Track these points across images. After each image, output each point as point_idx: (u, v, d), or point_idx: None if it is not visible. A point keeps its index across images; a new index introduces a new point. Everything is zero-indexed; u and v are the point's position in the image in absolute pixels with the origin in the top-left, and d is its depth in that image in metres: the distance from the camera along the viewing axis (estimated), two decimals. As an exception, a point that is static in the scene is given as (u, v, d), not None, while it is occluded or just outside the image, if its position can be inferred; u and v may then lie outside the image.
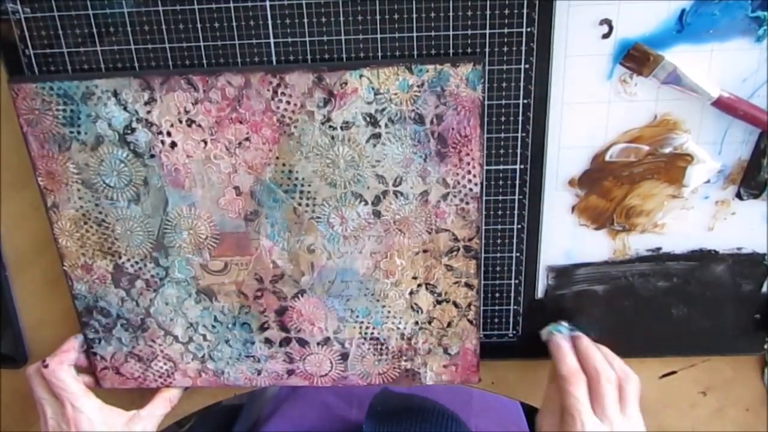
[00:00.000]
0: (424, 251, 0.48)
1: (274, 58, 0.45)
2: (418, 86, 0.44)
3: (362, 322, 0.51)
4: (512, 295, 0.52)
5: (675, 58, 0.43)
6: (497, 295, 0.52)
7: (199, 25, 0.44)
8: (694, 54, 0.43)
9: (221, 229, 0.49)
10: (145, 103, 0.45)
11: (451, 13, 0.43)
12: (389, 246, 0.48)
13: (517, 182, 0.48)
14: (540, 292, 0.52)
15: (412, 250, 0.48)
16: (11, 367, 0.56)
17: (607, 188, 0.48)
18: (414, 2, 0.43)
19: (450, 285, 0.49)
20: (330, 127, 0.45)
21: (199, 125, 0.46)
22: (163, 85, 0.45)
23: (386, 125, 0.45)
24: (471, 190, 0.46)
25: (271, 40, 0.45)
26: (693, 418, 0.56)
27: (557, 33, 0.43)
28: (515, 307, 0.52)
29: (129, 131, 0.46)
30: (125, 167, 0.47)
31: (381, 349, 0.52)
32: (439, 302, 0.50)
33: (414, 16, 0.43)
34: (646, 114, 0.45)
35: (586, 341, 0.49)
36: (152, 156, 0.47)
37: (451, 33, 0.44)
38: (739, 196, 0.48)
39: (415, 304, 0.50)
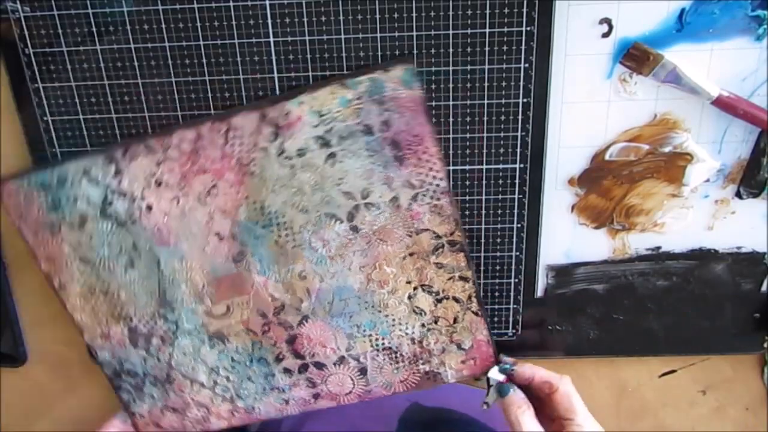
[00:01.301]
0: (411, 254, 0.48)
1: (274, 58, 0.45)
2: (357, 99, 0.44)
3: (370, 335, 0.51)
4: (512, 294, 0.52)
5: (675, 57, 0.43)
6: (497, 294, 0.52)
7: (198, 25, 0.44)
8: (693, 53, 0.43)
9: (215, 275, 0.50)
10: (114, 175, 0.47)
11: (450, 13, 0.43)
12: (375, 257, 0.48)
13: (517, 181, 0.48)
14: (540, 291, 0.52)
15: (398, 256, 0.49)
16: (11, 366, 0.56)
17: (606, 187, 0.48)
18: (414, 2, 0.43)
19: (445, 282, 0.49)
20: (286, 157, 0.46)
21: (167, 184, 0.47)
22: (125, 155, 0.47)
23: (338, 143, 0.45)
24: (438, 185, 0.46)
25: (271, 40, 0.45)
26: (692, 417, 0.56)
27: (557, 32, 0.43)
28: (515, 306, 0.52)
29: (107, 204, 0.48)
30: (113, 237, 0.49)
31: (396, 357, 0.52)
32: (439, 301, 0.50)
33: (414, 15, 0.43)
34: (646, 113, 0.45)
35: (519, 370, 0.49)
36: (134, 222, 0.48)
37: (450, 32, 0.44)
38: (738, 195, 0.48)
39: (417, 307, 0.50)
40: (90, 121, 0.47)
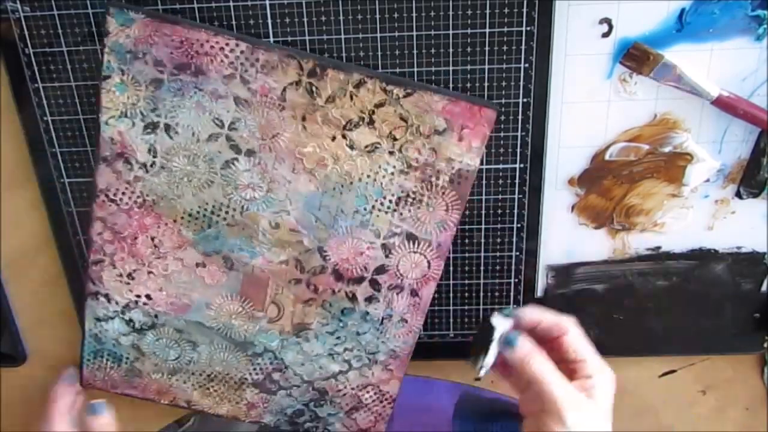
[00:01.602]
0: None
1: (273, 58, 0.45)
2: None
3: (372, 206, 0.48)
4: (512, 294, 0.52)
5: (675, 57, 0.43)
6: (497, 294, 0.52)
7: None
8: (693, 53, 0.43)
9: (234, 292, 0.50)
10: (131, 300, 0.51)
11: (450, 12, 0.43)
12: (291, 150, 0.46)
13: (517, 181, 0.48)
14: (540, 291, 0.52)
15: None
16: (11, 366, 0.56)
17: (606, 187, 0.48)
18: (414, 2, 0.43)
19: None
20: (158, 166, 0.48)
21: (151, 273, 0.50)
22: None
23: (166, 114, 0.46)
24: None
25: (271, 40, 0.45)
26: (692, 417, 0.56)
27: (557, 32, 0.43)
28: (515, 306, 0.52)
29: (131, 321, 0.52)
30: (164, 338, 0.53)
31: (411, 198, 0.47)
32: (371, 123, 0.46)
33: (414, 15, 0.43)
34: (646, 113, 0.45)
35: (527, 312, 0.44)
36: (156, 315, 0.52)
37: (450, 32, 0.44)
38: (738, 195, 0.48)
39: (364, 150, 0.46)
40: (90, 121, 0.47)
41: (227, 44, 0.44)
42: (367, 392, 0.54)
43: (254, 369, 0.53)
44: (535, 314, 0.44)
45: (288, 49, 0.44)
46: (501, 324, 0.42)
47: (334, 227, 0.48)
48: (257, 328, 0.52)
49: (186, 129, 0.46)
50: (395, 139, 0.46)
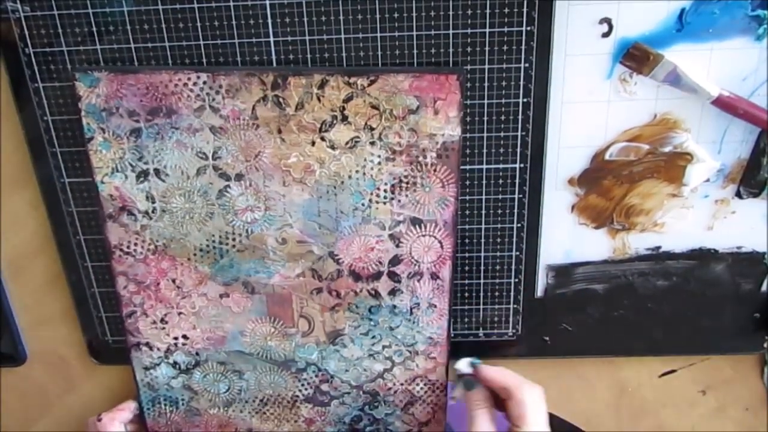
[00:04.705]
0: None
1: (274, 58, 0.45)
2: None
3: (370, 193, 0.48)
4: (512, 294, 0.52)
5: (675, 57, 0.43)
6: (497, 293, 0.52)
7: (198, 25, 0.44)
8: (693, 53, 0.43)
9: (263, 314, 0.51)
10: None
11: (451, 12, 0.43)
12: (275, 164, 0.46)
13: (517, 181, 0.48)
14: (540, 291, 0.52)
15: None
16: (11, 366, 0.56)
17: (606, 187, 0.48)
18: (414, 2, 0.43)
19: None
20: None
21: (181, 313, 0.52)
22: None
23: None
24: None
25: (271, 40, 0.45)
26: (692, 417, 0.56)
27: (557, 32, 0.43)
28: (515, 306, 0.52)
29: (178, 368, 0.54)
30: (210, 373, 0.54)
31: (401, 184, 0.47)
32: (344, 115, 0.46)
33: (414, 15, 0.43)
34: (646, 113, 0.45)
35: (484, 369, 0.49)
36: (197, 353, 0.53)
37: (450, 32, 0.44)
38: (738, 195, 0.48)
39: (346, 143, 0.46)
40: (90, 121, 0.47)
41: (189, 78, 0.45)
42: (417, 385, 0.54)
43: (302, 384, 0.54)
44: (489, 372, 0.48)
45: (246, 68, 0.44)
46: (464, 369, 0.50)
47: (338, 229, 0.48)
48: (293, 344, 0.52)
49: (174, 169, 0.47)
50: (372, 129, 0.45)
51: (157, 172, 0.47)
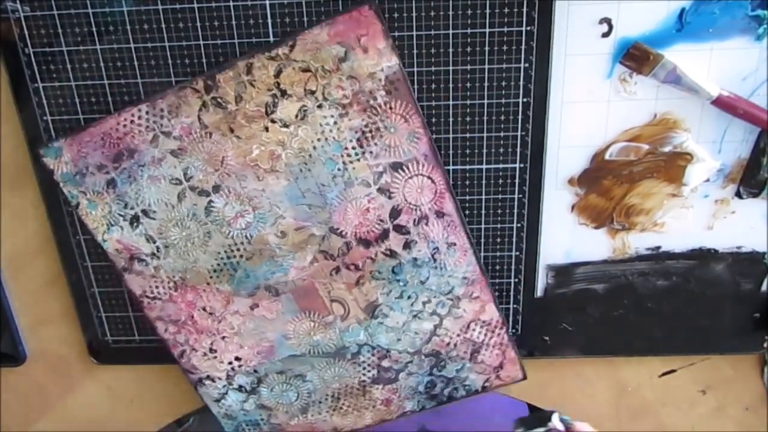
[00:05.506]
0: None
1: (273, 57, 0.45)
2: None
3: (348, 151, 0.46)
4: (512, 293, 0.52)
5: (675, 57, 0.43)
6: (497, 293, 0.52)
7: (198, 25, 0.44)
8: (693, 53, 0.43)
9: (295, 314, 0.51)
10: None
11: (450, 12, 0.43)
12: (245, 160, 0.46)
13: (517, 181, 0.48)
14: (539, 291, 0.52)
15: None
16: (11, 366, 0.56)
17: (606, 187, 0.48)
18: (414, 2, 0.43)
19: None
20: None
21: (224, 338, 0.52)
22: None
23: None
24: None
25: (271, 40, 0.45)
26: (692, 417, 0.56)
27: (557, 32, 0.43)
28: (515, 305, 0.52)
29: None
30: (275, 385, 0.55)
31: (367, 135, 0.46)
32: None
33: (414, 15, 0.43)
34: (646, 113, 0.45)
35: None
36: (255, 370, 0.54)
37: (450, 32, 0.44)
38: (738, 194, 0.48)
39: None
40: (90, 121, 0.47)
41: (132, 114, 0.45)
42: (473, 331, 0.52)
43: (363, 368, 0.53)
44: (585, 429, 0.47)
45: (177, 85, 0.45)
46: (557, 425, 0.47)
47: (327, 203, 0.47)
48: (337, 331, 0.51)
49: (158, 204, 0.48)
50: (313, 92, 0.45)
51: (144, 212, 0.48)
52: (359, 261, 0.49)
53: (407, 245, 0.48)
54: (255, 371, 0.53)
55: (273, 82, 0.44)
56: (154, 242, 0.49)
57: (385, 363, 0.53)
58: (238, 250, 0.49)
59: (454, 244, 0.48)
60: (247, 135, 0.46)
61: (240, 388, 0.54)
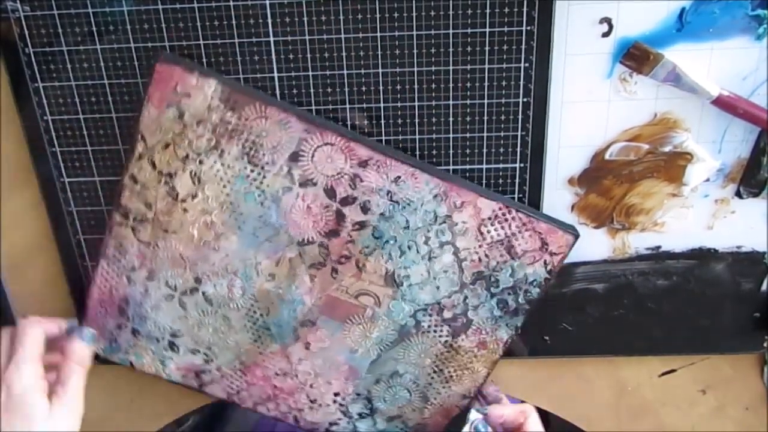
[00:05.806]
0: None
1: (273, 58, 0.45)
2: None
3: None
4: (512, 293, 0.52)
5: (675, 57, 0.43)
6: (497, 293, 0.51)
7: (198, 24, 0.44)
8: (693, 52, 0.43)
9: (337, 328, 0.51)
10: None
11: (450, 12, 0.43)
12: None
13: (517, 181, 0.48)
14: (540, 291, 0.52)
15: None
16: (11, 366, 0.56)
17: (606, 187, 0.48)
18: (414, 2, 0.43)
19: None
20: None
21: (302, 387, 0.54)
22: None
23: None
24: None
25: (271, 39, 0.45)
26: (692, 417, 0.56)
27: (557, 31, 0.43)
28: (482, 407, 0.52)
29: None
30: (374, 400, 0.55)
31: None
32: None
33: (414, 15, 0.43)
34: (646, 112, 0.45)
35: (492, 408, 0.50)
36: (369, 401, 0.54)
37: (450, 32, 0.44)
38: (738, 194, 0.48)
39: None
40: (90, 121, 0.47)
41: (100, 273, 0.51)
42: (488, 232, 0.47)
43: (435, 332, 0.51)
44: (497, 411, 0.50)
45: (106, 228, 0.49)
46: (474, 416, 0.50)
47: (277, 226, 0.47)
48: (387, 318, 0.50)
49: (174, 321, 0.51)
50: (187, 156, 0.46)
51: (173, 335, 0.52)
52: (343, 251, 0.48)
53: (364, 208, 0.47)
54: (357, 394, 0.53)
55: (156, 173, 0.47)
56: (199, 352, 0.52)
57: (447, 314, 0.50)
58: (255, 312, 0.50)
59: (399, 177, 0.46)
60: (178, 225, 0.48)
61: (361, 415, 0.54)
